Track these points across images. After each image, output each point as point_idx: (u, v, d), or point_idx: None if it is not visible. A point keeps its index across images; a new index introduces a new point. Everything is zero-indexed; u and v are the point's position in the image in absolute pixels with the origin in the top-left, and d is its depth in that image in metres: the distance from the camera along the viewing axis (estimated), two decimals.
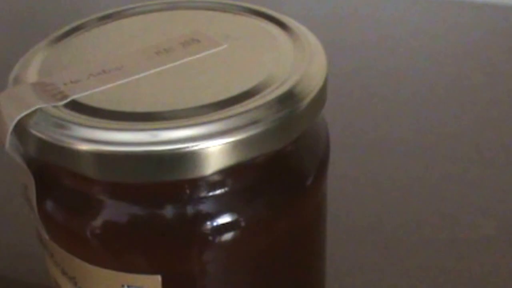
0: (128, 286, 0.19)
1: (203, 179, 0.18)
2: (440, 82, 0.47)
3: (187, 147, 0.17)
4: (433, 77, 0.47)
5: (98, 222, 0.19)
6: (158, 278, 0.19)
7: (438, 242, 0.35)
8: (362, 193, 0.37)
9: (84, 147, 0.18)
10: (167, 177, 0.18)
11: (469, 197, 0.37)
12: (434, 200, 0.37)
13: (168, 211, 0.18)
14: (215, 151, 0.17)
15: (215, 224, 0.18)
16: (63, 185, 0.19)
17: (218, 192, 0.18)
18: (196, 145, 0.17)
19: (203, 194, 0.18)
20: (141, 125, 0.18)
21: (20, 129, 0.18)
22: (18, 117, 0.18)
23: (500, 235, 0.35)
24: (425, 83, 0.47)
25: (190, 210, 0.18)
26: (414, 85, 0.46)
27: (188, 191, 0.18)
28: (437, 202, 0.37)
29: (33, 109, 0.18)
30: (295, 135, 0.19)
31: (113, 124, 0.18)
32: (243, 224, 0.19)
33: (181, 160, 0.17)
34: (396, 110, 0.44)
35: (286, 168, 0.20)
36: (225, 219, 0.19)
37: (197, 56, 0.20)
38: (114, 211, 0.19)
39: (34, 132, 0.18)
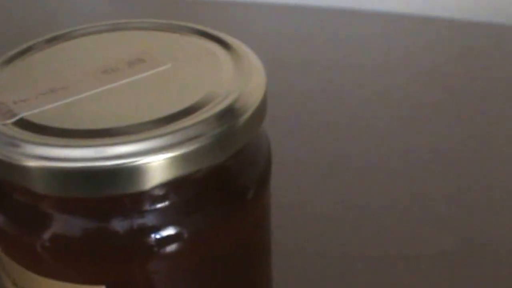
0: None
1: (146, 193, 0.19)
2: (386, 97, 0.48)
3: (129, 162, 0.18)
4: (379, 94, 0.48)
5: (46, 235, 0.19)
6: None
7: (392, 258, 0.35)
8: (308, 209, 0.38)
9: (32, 163, 0.19)
10: (110, 192, 0.18)
11: (425, 212, 0.38)
12: (387, 217, 0.38)
13: (113, 224, 0.19)
14: (156, 165, 0.18)
15: (158, 236, 0.19)
16: (14, 200, 0.20)
17: (160, 205, 0.19)
18: (137, 160, 0.18)
19: (146, 207, 0.19)
20: (85, 141, 0.19)
21: None
22: None
23: (457, 251, 0.35)
24: (370, 100, 0.48)
25: (134, 223, 0.19)
26: (358, 102, 0.47)
27: (131, 205, 0.19)
28: (390, 219, 0.38)
29: None
30: (234, 150, 0.20)
31: (60, 141, 0.19)
32: (185, 236, 0.20)
33: (123, 175, 0.18)
34: (339, 126, 0.45)
35: (227, 182, 0.21)
36: (168, 231, 0.19)
37: (142, 75, 0.21)
38: (62, 224, 0.19)
39: None
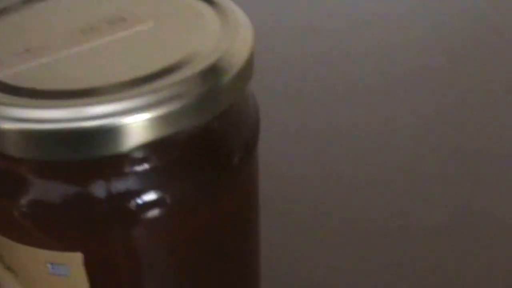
0: (51, 264, 0.19)
1: (126, 155, 0.18)
2: (382, 59, 0.47)
3: (108, 122, 0.17)
4: (374, 55, 0.47)
5: (23, 201, 0.18)
6: (79, 255, 0.18)
7: (389, 231, 0.35)
8: (299, 177, 0.37)
9: (7, 126, 0.18)
10: (89, 154, 0.18)
11: (420, 187, 0.37)
12: (383, 190, 0.37)
13: (92, 189, 0.18)
14: (136, 126, 0.17)
15: (139, 201, 0.18)
16: None
17: (141, 168, 0.18)
18: (116, 121, 0.17)
19: (126, 170, 0.18)
20: (62, 102, 0.18)
21: None
22: None
23: (451, 225, 0.35)
24: (364, 62, 0.47)
25: (113, 187, 0.18)
26: (353, 66, 0.46)
27: (111, 168, 0.18)
28: (387, 192, 0.37)
29: None
30: (218, 111, 0.19)
31: (35, 102, 0.18)
32: (168, 201, 0.19)
33: (102, 136, 0.17)
34: (331, 90, 0.44)
35: (211, 146, 0.20)
36: (149, 196, 0.18)
37: (123, 34, 0.20)
38: (39, 189, 0.18)
39: None
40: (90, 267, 0.19)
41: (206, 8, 0.22)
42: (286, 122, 0.41)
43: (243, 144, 0.21)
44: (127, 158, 0.18)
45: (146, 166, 0.18)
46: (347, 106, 0.43)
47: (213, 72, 0.18)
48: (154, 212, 0.19)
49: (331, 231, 0.34)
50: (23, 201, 0.19)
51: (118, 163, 0.18)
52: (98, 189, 0.18)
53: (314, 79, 0.45)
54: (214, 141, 0.20)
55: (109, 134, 0.17)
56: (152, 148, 0.18)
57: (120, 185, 0.18)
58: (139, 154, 0.18)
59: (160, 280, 0.20)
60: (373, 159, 0.39)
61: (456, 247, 0.33)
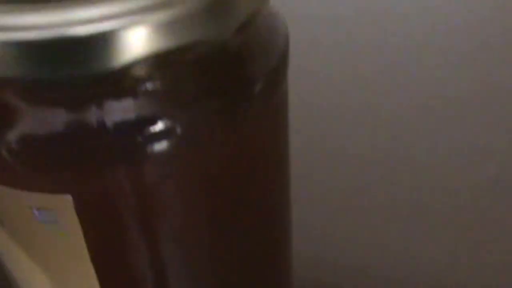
0: (37, 209, 0.15)
1: (126, 72, 0.14)
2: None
3: (102, 28, 0.14)
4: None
5: (2, 133, 0.15)
6: (69, 198, 0.15)
7: (430, 189, 0.32)
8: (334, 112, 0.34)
9: None
10: (79, 71, 0.14)
11: (468, 138, 0.34)
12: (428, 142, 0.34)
13: (83, 116, 0.15)
14: (137, 33, 0.14)
15: (142, 131, 0.15)
16: None
17: (145, 90, 0.15)
18: (112, 25, 0.14)
19: (126, 92, 0.15)
20: (45, 5, 0.14)
21: None
22: None
23: (501, 177, 0.32)
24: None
25: (111, 113, 0.15)
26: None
27: (107, 89, 0.15)
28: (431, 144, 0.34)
29: None
30: (237, 21, 0.15)
31: (14, 7, 0.14)
32: (178, 132, 0.15)
33: (95, 45, 0.14)
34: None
35: (229, 67, 0.16)
36: (155, 125, 0.15)
37: None
38: (19, 117, 0.15)
39: None
40: (83, 213, 0.15)
41: None
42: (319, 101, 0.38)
43: (269, 70, 0.17)
44: (127, 76, 0.15)
45: (150, 86, 0.15)
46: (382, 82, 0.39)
47: None
48: (160, 146, 0.15)
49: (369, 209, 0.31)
50: (2, 134, 0.15)
51: (116, 82, 0.14)
52: (91, 116, 0.15)
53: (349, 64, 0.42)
54: (233, 61, 0.16)
55: (103, 43, 0.14)
56: (157, 65, 0.15)
57: (118, 111, 0.15)
58: (141, 71, 0.15)
59: (167, 231, 0.17)
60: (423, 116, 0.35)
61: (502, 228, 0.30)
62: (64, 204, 0.15)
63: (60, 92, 0.15)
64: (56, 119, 0.15)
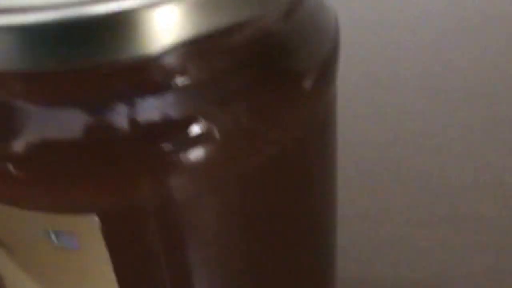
0: (55, 232, 0.13)
1: (156, 61, 0.12)
2: None
3: (126, 7, 0.11)
4: None
5: (8, 143, 0.13)
6: (95, 219, 0.13)
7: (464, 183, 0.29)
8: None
9: None
10: (102, 58, 0.12)
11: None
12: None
13: (109, 118, 0.12)
14: (171, 12, 0.11)
15: (176, 135, 0.12)
16: None
17: (178, 84, 0.12)
18: (140, 3, 0.11)
19: (159, 88, 0.12)
20: None
21: None
22: None
23: None
24: None
25: (137, 113, 0.12)
26: None
27: (133, 84, 0.12)
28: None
29: None
30: (285, 2, 0.13)
31: None
32: (216, 136, 0.13)
33: (120, 26, 0.11)
34: None
35: (276, 57, 0.14)
36: (190, 128, 0.13)
37: None
38: (30, 122, 0.13)
39: None
40: (110, 235, 0.13)
41: None
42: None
43: (320, 63, 0.15)
44: (156, 67, 0.12)
45: (183, 80, 0.12)
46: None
47: None
48: (197, 152, 0.13)
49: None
50: (9, 142, 0.13)
51: (144, 74, 0.12)
52: (115, 117, 0.12)
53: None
54: (280, 51, 0.14)
55: (128, 24, 0.11)
56: (193, 53, 0.12)
57: (148, 111, 0.12)
58: (174, 61, 0.12)
59: (206, 250, 0.14)
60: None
61: None
62: (88, 226, 0.13)
63: (76, 88, 0.12)
64: (72, 121, 0.12)
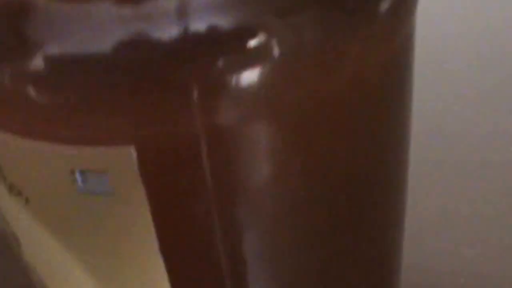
0: (81, 172, 0.11)
1: None
2: None
3: None
4: None
5: (28, 56, 0.10)
6: (131, 151, 0.10)
7: None
8: None
9: None
10: None
11: None
12: None
13: (152, 27, 0.10)
14: None
15: (232, 51, 0.10)
16: None
17: None
18: None
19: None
20: None
21: None
22: None
23: None
24: None
25: (189, 24, 0.10)
26: None
27: None
28: None
29: None
30: None
31: None
32: (275, 52, 0.10)
33: None
34: None
35: None
36: (248, 43, 0.10)
37: None
38: (53, 31, 0.10)
39: None
40: (147, 174, 0.11)
41: None
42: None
43: None
44: None
45: None
46: None
47: None
48: (252, 73, 0.10)
49: None
50: (28, 58, 0.10)
51: None
52: (161, 24, 0.10)
53: None
54: None
55: None
56: None
57: (198, 21, 0.10)
58: None
59: (257, 186, 0.12)
60: None
61: None
62: (123, 161, 0.10)
63: None
64: (107, 29, 0.10)
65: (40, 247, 0.13)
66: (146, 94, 0.10)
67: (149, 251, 0.12)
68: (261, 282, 0.14)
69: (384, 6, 0.12)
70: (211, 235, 0.12)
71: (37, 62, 0.10)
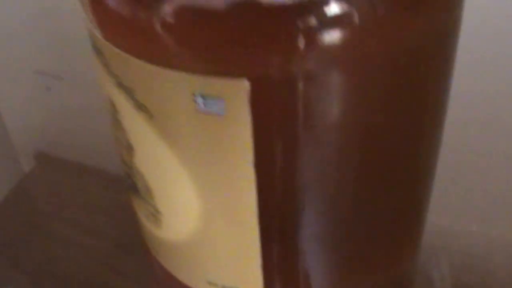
0: (202, 96, 0.14)
1: None
2: None
3: None
4: None
5: (167, 4, 0.14)
6: (245, 84, 0.13)
7: None
8: None
9: None
10: None
11: None
12: None
13: None
14: None
15: (319, 14, 0.13)
16: None
17: None
18: None
19: None
20: None
21: None
22: None
23: None
24: None
25: None
26: None
27: None
28: None
29: None
30: None
31: None
32: (354, 18, 0.13)
33: None
34: None
35: None
36: (331, 9, 0.13)
37: None
38: None
39: None
40: (253, 101, 0.14)
41: None
42: None
43: None
44: None
45: None
46: None
47: None
48: (338, 33, 0.13)
49: None
50: (166, 4, 0.14)
51: None
52: None
53: None
54: None
55: None
56: None
57: None
58: None
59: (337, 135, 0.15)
60: None
61: None
62: (237, 90, 0.14)
63: None
64: None
65: (154, 155, 0.16)
66: (260, 44, 0.13)
67: (245, 164, 0.15)
68: (316, 214, 0.17)
69: None
70: (292, 159, 0.15)
71: (166, 9, 0.14)
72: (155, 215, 0.18)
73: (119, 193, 0.28)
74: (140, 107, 0.15)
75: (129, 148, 0.17)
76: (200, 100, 0.14)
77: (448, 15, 0.16)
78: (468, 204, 0.28)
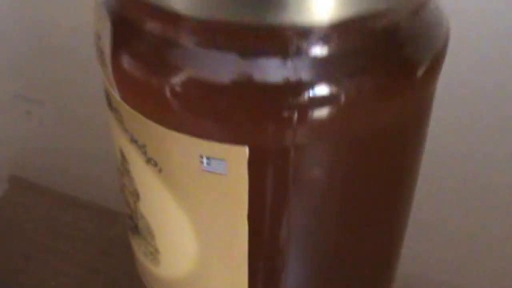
0: (207, 158, 0.16)
1: (312, 31, 0.15)
2: None
3: None
4: None
5: (179, 77, 0.16)
6: (245, 150, 0.16)
7: None
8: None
9: None
10: (271, 18, 0.15)
11: None
12: None
13: (265, 67, 0.15)
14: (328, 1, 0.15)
15: (312, 92, 0.15)
16: (142, 32, 0.16)
17: (320, 55, 0.15)
18: None
19: (308, 52, 0.15)
20: None
21: None
22: None
23: None
24: None
25: (291, 70, 0.15)
26: None
27: (293, 44, 0.15)
28: None
29: None
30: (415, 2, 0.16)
31: None
32: (341, 99, 0.16)
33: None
34: None
35: (399, 49, 0.17)
36: (326, 89, 0.16)
37: None
38: (200, 62, 0.16)
39: None
40: (251, 165, 0.16)
41: None
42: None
43: (432, 55, 0.18)
44: (311, 36, 0.15)
45: (324, 50, 0.15)
46: None
47: None
48: (326, 109, 0.16)
49: None
50: (178, 77, 0.16)
51: (301, 39, 0.15)
52: (272, 69, 0.15)
53: None
54: (405, 41, 0.17)
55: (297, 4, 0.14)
56: (338, 31, 0.15)
57: (297, 69, 0.15)
58: (323, 34, 0.15)
59: (322, 193, 0.17)
60: None
61: None
62: (238, 155, 0.16)
63: (237, 37, 0.15)
64: (230, 64, 0.15)
65: (159, 203, 0.18)
66: (257, 117, 0.15)
67: (240, 215, 0.17)
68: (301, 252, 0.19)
69: (420, 74, 0.17)
70: (280, 212, 0.17)
71: (178, 81, 0.16)
72: (154, 254, 0.20)
73: (91, 221, 0.29)
74: (150, 161, 0.17)
75: (135, 195, 0.19)
76: (205, 160, 0.16)
77: (424, 93, 0.18)
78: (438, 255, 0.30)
